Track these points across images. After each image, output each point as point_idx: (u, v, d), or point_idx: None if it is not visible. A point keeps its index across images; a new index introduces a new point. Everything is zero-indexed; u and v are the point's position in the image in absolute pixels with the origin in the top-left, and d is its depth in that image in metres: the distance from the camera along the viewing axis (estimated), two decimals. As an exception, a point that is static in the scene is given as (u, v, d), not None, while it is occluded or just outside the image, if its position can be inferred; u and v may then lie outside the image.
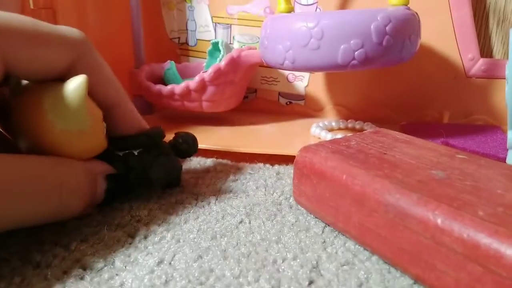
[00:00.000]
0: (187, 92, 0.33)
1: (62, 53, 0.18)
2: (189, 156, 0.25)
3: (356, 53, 0.26)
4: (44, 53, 0.17)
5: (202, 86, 0.33)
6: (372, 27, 0.26)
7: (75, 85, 0.17)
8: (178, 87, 0.33)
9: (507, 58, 0.36)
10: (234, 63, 0.33)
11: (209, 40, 0.38)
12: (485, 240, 0.13)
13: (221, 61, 0.33)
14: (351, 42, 0.26)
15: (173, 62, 0.37)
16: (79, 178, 0.18)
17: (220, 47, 0.36)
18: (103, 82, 0.19)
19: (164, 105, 0.36)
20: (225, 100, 0.35)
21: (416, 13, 0.29)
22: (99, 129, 0.19)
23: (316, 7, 0.38)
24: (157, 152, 0.22)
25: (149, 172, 0.21)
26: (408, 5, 0.29)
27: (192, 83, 0.33)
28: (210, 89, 0.33)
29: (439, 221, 0.14)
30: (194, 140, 0.25)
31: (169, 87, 0.33)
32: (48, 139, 0.17)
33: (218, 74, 0.32)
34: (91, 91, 0.18)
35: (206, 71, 0.33)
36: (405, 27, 0.27)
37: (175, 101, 0.34)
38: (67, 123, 0.17)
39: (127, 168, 0.21)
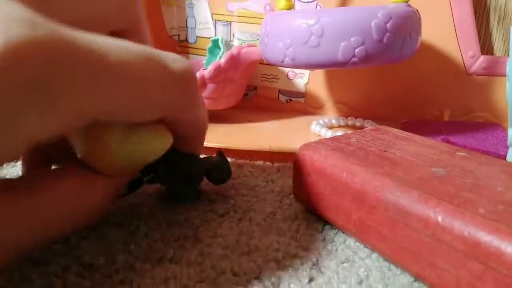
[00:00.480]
0: (186, 89, 0.33)
1: (167, 91, 0.15)
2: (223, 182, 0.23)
3: (356, 50, 0.26)
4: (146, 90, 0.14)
5: (202, 83, 0.33)
6: (372, 24, 0.26)
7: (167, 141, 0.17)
8: (177, 85, 0.33)
9: (508, 55, 0.36)
10: (234, 60, 0.33)
11: (209, 38, 0.38)
12: (486, 237, 0.13)
13: (221, 58, 0.33)
14: (352, 39, 0.26)
15: None
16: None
17: (220, 45, 0.36)
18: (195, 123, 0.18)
19: None
20: (225, 98, 0.35)
21: (417, 10, 0.29)
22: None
23: (316, 4, 0.38)
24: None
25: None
26: (409, 2, 0.28)
27: (192, 80, 0.33)
28: (210, 87, 0.33)
29: (439, 218, 0.14)
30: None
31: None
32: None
33: (218, 71, 0.32)
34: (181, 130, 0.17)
35: (206, 68, 0.33)
36: (406, 24, 0.27)
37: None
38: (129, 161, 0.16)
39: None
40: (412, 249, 0.15)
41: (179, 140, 0.18)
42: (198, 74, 0.32)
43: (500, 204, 0.14)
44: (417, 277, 0.15)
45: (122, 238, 0.18)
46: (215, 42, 0.36)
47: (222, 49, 0.35)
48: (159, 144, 0.17)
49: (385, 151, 0.20)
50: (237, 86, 0.36)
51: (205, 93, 0.33)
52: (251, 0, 0.39)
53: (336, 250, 0.18)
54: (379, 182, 0.16)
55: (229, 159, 0.28)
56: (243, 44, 0.39)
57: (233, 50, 0.33)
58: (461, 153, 0.19)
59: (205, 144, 0.29)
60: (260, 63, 0.38)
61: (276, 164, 0.28)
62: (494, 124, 0.34)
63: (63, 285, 0.15)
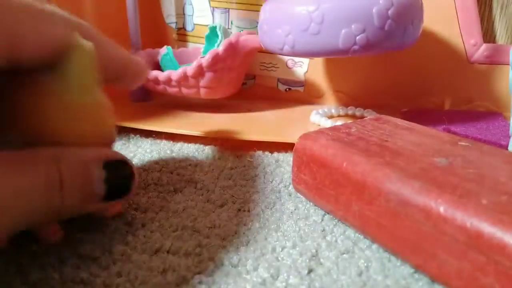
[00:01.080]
0: (184, 78, 0.32)
1: (66, 32, 0.15)
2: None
3: (357, 37, 0.25)
4: (50, 30, 0.14)
5: (200, 72, 0.32)
6: (374, 11, 0.25)
7: (84, 46, 0.15)
8: (175, 73, 0.32)
9: (511, 43, 0.36)
10: (233, 48, 0.32)
11: (207, 25, 0.37)
12: (488, 229, 0.13)
13: (219, 46, 0.32)
14: (352, 26, 0.25)
15: (169, 47, 0.36)
16: (62, 170, 0.14)
17: (218, 32, 0.35)
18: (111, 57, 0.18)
19: (161, 92, 0.35)
20: (223, 86, 0.34)
21: (419, -3, 0.28)
22: (108, 107, 0.17)
23: (317, -9, 0.37)
24: None
25: None
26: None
27: (190, 68, 0.32)
28: (208, 75, 0.32)
29: (441, 209, 0.14)
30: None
31: (166, 73, 0.33)
32: (52, 120, 0.15)
33: (216, 59, 0.32)
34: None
35: (203, 57, 0.32)
36: (408, 11, 0.26)
37: (172, 87, 0.34)
38: (78, 92, 0.15)
39: None
40: (413, 240, 0.15)
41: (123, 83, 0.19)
42: (195, 63, 0.32)
43: (503, 195, 0.14)
44: (418, 269, 0.15)
45: (119, 229, 0.18)
46: (213, 30, 0.36)
47: (220, 37, 0.35)
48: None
49: (386, 141, 0.19)
50: (235, 75, 0.35)
51: (203, 82, 0.33)
52: (250, -14, 0.39)
53: (336, 241, 0.18)
54: (380, 172, 0.16)
55: (227, 150, 0.28)
56: (241, 31, 0.39)
57: (232, 38, 0.32)
58: (463, 143, 0.19)
59: (203, 134, 0.29)
60: (259, 51, 0.37)
61: (275, 154, 0.28)
62: (495, 114, 0.33)
63: (59, 277, 0.15)
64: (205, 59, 0.32)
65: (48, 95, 0.15)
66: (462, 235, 0.13)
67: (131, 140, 0.30)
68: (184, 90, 0.34)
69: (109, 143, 0.17)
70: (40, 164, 0.14)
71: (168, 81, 0.33)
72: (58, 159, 0.14)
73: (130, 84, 0.20)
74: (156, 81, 0.34)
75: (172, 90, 0.34)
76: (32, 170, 0.13)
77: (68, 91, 0.15)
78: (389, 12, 0.25)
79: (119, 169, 0.16)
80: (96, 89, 0.16)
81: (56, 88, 0.15)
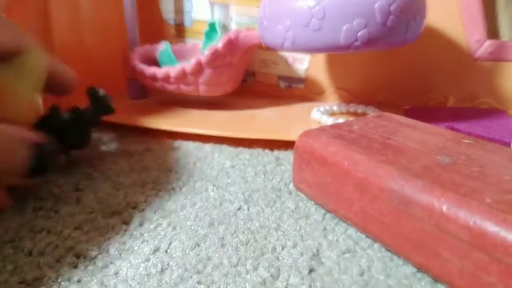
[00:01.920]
0: (183, 75, 0.32)
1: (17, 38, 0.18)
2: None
3: (359, 33, 0.25)
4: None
5: (199, 69, 0.32)
6: (376, 6, 0.25)
7: (39, 53, 0.19)
8: (173, 70, 0.32)
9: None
10: (232, 44, 0.32)
11: (206, 21, 0.37)
12: (492, 228, 0.12)
13: (218, 42, 0.32)
14: (354, 22, 0.25)
15: (168, 42, 0.36)
16: None
17: (217, 28, 0.34)
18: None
19: (159, 89, 0.35)
20: (222, 84, 0.34)
21: (422, -8, 0.27)
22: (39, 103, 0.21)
23: (318, -14, 0.36)
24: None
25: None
26: (414, -17, 0.27)
27: (188, 65, 0.32)
28: (207, 72, 0.32)
29: (444, 208, 0.14)
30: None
31: (164, 69, 0.32)
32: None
33: (215, 56, 0.31)
34: None
35: (202, 53, 0.32)
36: (410, 7, 0.26)
37: (170, 84, 0.33)
38: (26, 86, 0.19)
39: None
40: (416, 239, 0.14)
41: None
42: (194, 59, 0.31)
43: (507, 194, 0.14)
44: (420, 268, 0.15)
45: (117, 227, 0.18)
46: (212, 26, 0.35)
47: (219, 33, 0.34)
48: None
49: (388, 138, 0.19)
50: (235, 72, 0.35)
51: (202, 79, 0.32)
52: (250, -18, 0.38)
53: (337, 240, 0.17)
54: (383, 170, 0.16)
55: (227, 147, 0.28)
56: (241, 27, 0.38)
57: (231, 34, 0.32)
58: (467, 141, 0.19)
59: (203, 131, 0.29)
60: (259, 48, 0.37)
61: (275, 152, 0.27)
62: (499, 111, 0.33)
63: (56, 276, 0.15)
64: (204, 56, 0.31)
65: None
66: (465, 234, 0.13)
67: (128, 137, 0.30)
68: (183, 87, 0.33)
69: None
70: None
71: (167, 77, 0.33)
72: None
73: (58, 92, 0.22)
74: (154, 78, 0.33)
75: (170, 87, 0.34)
76: None
77: (19, 83, 0.18)
78: (391, 7, 0.25)
79: (42, 150, 0.17)
80: (38, 87, 0.20)
81: (7, 79, 0.18)
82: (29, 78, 0.19)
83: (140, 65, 0.34)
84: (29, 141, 0.17)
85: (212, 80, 0.33)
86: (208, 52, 0.31)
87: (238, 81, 0.37)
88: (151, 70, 0.33)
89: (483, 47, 0.34)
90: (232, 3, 0.39)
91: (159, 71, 0.33)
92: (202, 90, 0.33)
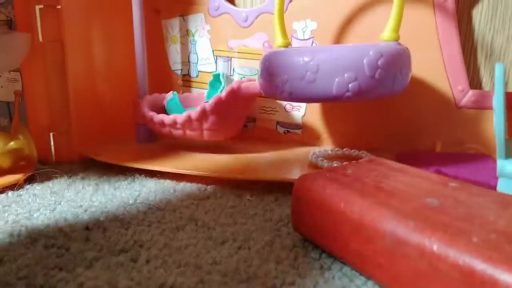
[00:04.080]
0: (188, 121, 0.34)
1: None
2: None
3: (350, 85, 0.27)
4: None
5: (203, 115, 0.34)
6: (364, 61, 0.27)
7: None
8: (180, 117, 0.34)
9: (495, 90, 0.38)
10: (235, 93, 0.34)
11: (211, 72, 0.40)
12: (480, 266, 0.13)
13: (222, 92, 0.34)
14: (345, 75, 0.27)
15: (175, 92, 0.38)
16: None
17: (221, 79, 0.37)
18: None
19: (167, 134, 0.37)
20: (225, 129, 0.36)
21: (407, 48, 0.30)
22: None
23: (312, 42, 0.40)
24: None
25: None
26: (399, 41, 0.30)
27: (194, 112, 0.34)
28: (211, 118, 0.34)
29: (435, 247, 0.14)
30: None
31: (171, 116, 0.35)
32: None
33: (219, 104, 0.34)
34: None
35: (207, 102, 0.34)
36: (396, 61, 0.28)
37: (177, 129, 0.36)
38: None
39: None
40: (409, 278, 0.15)
41: None
42: (199, 107, 0.34)
43: (492, 233, 0.15)
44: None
45: (124, 264, 0.19)
46: (216, 76, 0.38)
47: (223, 83, 0.37)
48: None
49: (380, 182, 0.20)
50: (236, 118, 0.37)
51: (206, 125, 0.35)
52: (251, 37, 0.42)
53: (333, 277, 0.18)
54: (376, 212, 0.17)
55: (228, 189, 0.29)
56: (243, 78, 0.41)
57: (234, 84, 0.34)
58: (453, 184, 0.20)
59: (205, 173, 0.30)
60: (259, 96, 0.39)
61: (274, 194, 0.29)
62: (485, 156, 0.35)
63: (66, 311, 0.15)
64: (209, 104, 0.34)
65: None
66: (456, 272, 0.14)
67: (136, 180, 0.31)
68: (188, 132, 0.35)
69: None
70: None
71: (173, 124, 0.35)
72: None
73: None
74: (162, 124, 0.35)
75: (177, 132, 0.36)
76: None
77: None
78: (379, 62, 0.27)
79: None
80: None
81: None
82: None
83: (149, 112, 0.36)
84: None
85: (215, 125, 0.35)
86: (212, 101, 0.34)
87: (239, 126, 0.39)
88: (159, 116, 0.35)
89: (467, 96, 0.37)
90: (234, 56, 0.43)
91: (166, 118, 0.35)
92: (206, 135, 0.35)
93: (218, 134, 0.36)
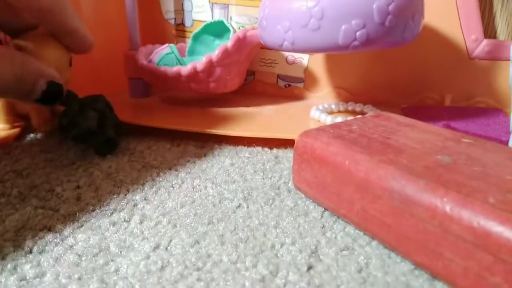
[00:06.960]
0: (194, 73, 0.32)
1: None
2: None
3: (357, 33, 0.25)
4: None
5: (210, 67, 0.32)
6: (374, 6, 0.25)
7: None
8: (184, 69, 0.32)
9: (512, 39, 0.35)
10: (240, 43, 0.32)
11: (206, 21, 0.37)
12: (496, 228, 0.12)
13: (228, 41, 0.32)
14: (353, 22, 0.25)
15: (173, 45, 0.36)
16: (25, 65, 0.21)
17: (228, 25, 0.35)
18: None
19: (169, 87, 0.35)
20: (230, 81, 0.34)
21: (420, -8, 0.28)
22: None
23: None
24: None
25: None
26: (412, -17, 0.28)
27: (200, 64, 0.32)
28: (218, 70, 0.32)
29: (447, 208, 0.14)
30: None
31: (175, 68, 0.32)
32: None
33: (226, 54, 0.32)
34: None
35: (213, 53, 0.32)
36: (409, 7, 0.26)
37: (181, 83, 0.33)
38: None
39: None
40: (418, 239, 0.14)
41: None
42: (205, 58, 0.32)
43: (510, 193, 0.14)
44: (422, 267, 0.15)
45: (117, 224, 0.18)
46: (205, 28, 0.36)
47: (232, 30, 0.35)
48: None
49: (388, 138, 0.19)
50: (241, 69, 0.35)
51: (212, 77, 0.33)
52: (249, -19, 0.38)
53: (336, 237, 0.17)
54: (384, 170, 0.16)
55: (226, 146, 0.28)
56: (241, 28, 0.38)
57: (239, 33, 0.32)
58: (467, 140, 0.19)
59: (202, 130, 0.29)
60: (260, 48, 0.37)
61: (274, 150, 0.27)
62: (496, 110, 0.33)
63: (55, 275, 0.15)
64: (215, 55, 0.32)
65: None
66: (469, 234, 0.13)
67: (130, 136, 0.30)
68: (193, 85, 0.33)
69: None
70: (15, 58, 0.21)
71: (177, 76, 0.33)
72: (23, 61, 0.21)
73: (75, 50, 0.25)
74: (165, 76, 0.33)
75: (181, 85, 0.34)
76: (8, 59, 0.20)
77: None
78: (390, 7, 0.25)
79: (54, 88, 0.22)
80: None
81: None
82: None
83: (149, 64, 0.34)
84: (47, 78, 0.22)
85: (221, 78, 0.33)
86: (218, 51, 0.31)
87: (243, 78, 0.37)
88: (161, 69, 0.33)
89: (480, 46, 0.35)
90: (232, 3, 0.39)
91: (170, 70, 0.32)
92: (212, 87, 0.34)
93: (223, 86, 0.34)
